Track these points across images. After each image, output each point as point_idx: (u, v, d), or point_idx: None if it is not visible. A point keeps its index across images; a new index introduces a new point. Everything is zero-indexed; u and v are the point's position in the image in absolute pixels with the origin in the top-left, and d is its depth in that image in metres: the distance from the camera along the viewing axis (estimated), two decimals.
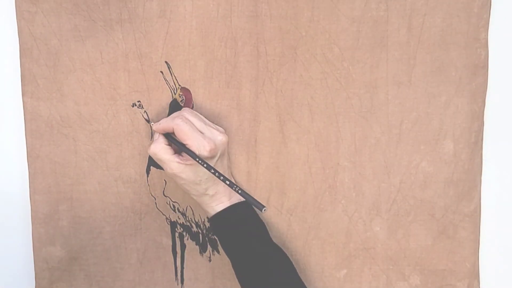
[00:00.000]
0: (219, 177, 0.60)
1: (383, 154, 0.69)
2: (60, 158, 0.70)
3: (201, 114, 0.68)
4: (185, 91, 0.69)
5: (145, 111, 0.69)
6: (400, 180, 0.69)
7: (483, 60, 0.67)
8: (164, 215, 0.72)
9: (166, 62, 0.68)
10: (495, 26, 0.67)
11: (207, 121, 0.66)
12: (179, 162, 0.62)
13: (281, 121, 0.69)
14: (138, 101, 0.69)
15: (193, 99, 0.69)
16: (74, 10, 0.67)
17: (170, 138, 0.64)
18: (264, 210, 0.57)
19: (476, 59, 0.67)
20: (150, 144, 0.64)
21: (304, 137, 0.69)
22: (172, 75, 0.68)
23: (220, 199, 0.65)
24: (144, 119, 0.68)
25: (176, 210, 0.71)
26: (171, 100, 0.69)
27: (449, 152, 0.69)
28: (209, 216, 0.65)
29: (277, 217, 0.70)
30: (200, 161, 0.60)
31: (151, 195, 0.71)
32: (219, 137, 0.64)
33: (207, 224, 0.72)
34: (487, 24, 0.66)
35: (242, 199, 0.66)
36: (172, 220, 0.72)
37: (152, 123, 0.67)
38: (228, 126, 0.69)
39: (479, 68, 0.67)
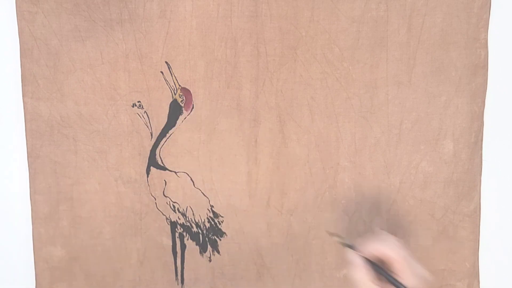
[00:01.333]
0: None
1: (383, 154, 0.69)
2: (60, 158, 0.70)
3: (201, 114, 0.69)
4: (185, 91, 0.69)
5: (145, 112, 0.69)
6: (400, 180, 0.69)
7: (483, 60, 0.67)
8: (164, 215, 0.72)
9: (166, 62, 0.68)
10: (494, 26, 0.67)
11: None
12: None
13: (281, 121, 0.69)
14: (138, 101, 0.69)
15: (193, 99, 0.69)
16: (74, 11, 0.67)
17: (375, 266, 0.56)
18: None
19: (476, 59, 0.67)
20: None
21: (304, 137, 0.69)
22: (172, 75, 0.68)
23: None
24: (344, 244, 0.59)
25: (176, 211, 0.71)
26: (171, 100, 0.69)
27: (449, 152, 0.69)
28: None
29: (277, 217, 0.70)
30: None
31: (151, 195, 0.71)
32: (423, 273, 0.55)
33: (207, 225, 0.72)
34: (487, 24, 0.66)
35: None
36: (172, 220, 0.72)
37: (346, 243, 0.59)
38: (228, 126, 0.69)
39: (479, 68, 0.67)
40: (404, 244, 0.56)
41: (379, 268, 0.56)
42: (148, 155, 0.70)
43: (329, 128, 0.69)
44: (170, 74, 0.68)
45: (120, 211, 0.71)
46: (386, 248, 0.56)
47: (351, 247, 0.58)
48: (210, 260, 0.72)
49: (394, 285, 0.55)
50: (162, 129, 0.69)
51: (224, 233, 0.72)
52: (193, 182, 0.70)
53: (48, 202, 0.71)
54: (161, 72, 0.68)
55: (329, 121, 0.69)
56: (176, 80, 0.69)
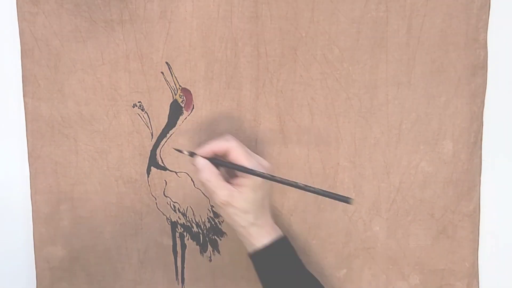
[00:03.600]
0: (288, 182, 0.57)
1: (382, 154, 0.69)
2: (61, 158, 0.70)
3: (201, 115, 0.69)
4: (186, 91, 0.69)
5: (145, 112, 0.69)
6: (400, 180, 0.70)
7: (482, 60, 0.67)
8: (164, 215, 0.72)
9: (166, 62, 0.68)
10: (494, 27, 0.67)
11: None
12: (231, 190, 0.58)
13: (281, 121, 0.69)
14: (139, 102, 0.69)
15: (194, 100, 0.69)
16: (75, 11, 0.67)
17: (219, 162, 0.60)
18: (352, 201, 0.54)
19: (475, 60, 0.67)
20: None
21: (304, 137, 0.69)
22: (173, 75, 0.69)
23: (267, 231, 0.61)
24: (185, 153, 0.62)
25: (177, 210, 0.72)
26: (172, 100, 0.69)
27: (448, 152, 0.69)
28: (253, 249, 0.61)
29: (277, 217, 0.71)
30: (262, 173, 0.57)
31: (152, 195, 0.71)
32: (264, 162, 0.61)
33: (208, 224, 0.72)
34: (486, 25, 0.67)
35: (279, 230, 0.63)
36: (173, 220, 0.72)
37: (188, 151, 0.62)
38: (229, 126, 0.69)
39: (478, 69, 0.67)
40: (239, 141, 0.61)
41: (220, 161, 0.60)
42: (149, 155, 0.70)
43: (329, 128, 0.69)
44: (170, 74, 0.69)
45: (121, 211, 0.71)
46: (221, 142, 0.60)
47: (193, 154, 0.61)
48: (210, 260, 0.72)
49: (241, 170, 0.59)
50: (163, 129, 0.70)
51: (225, 233, 0.72)
52: (193, 182, 0.70)
53: (49, 202, 0.71)
54: (162, 73, 0.69)
55: (329, 121, 0.69)
56: (177, 80, 0.69)
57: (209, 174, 0.59)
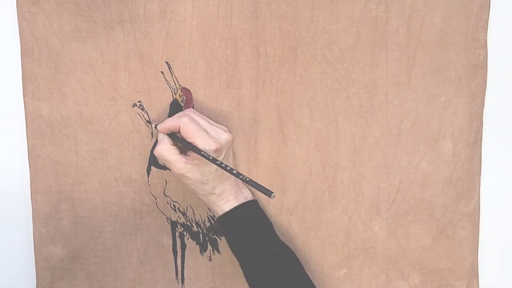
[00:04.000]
0: (225, 168, 0.59)
1: (382, 154, 0.69)
2: (61, 158, 0.70)
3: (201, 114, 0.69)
4: (186, 91, 0.69)
5: (145, 112, 0.69)
6: (400, 180, 0.70)
7: (482, 60, 0.67)
8: (164, 214, 0.72)
9: (166, 62, 0.68)
10: (494, 26, 0.67)
11: (210, 121, 0.66)
12: (185, 162, 0.62)
13: (281, 121, 0.69)
14: (139, 101, 0.69)
15: (194, 99, 0.69)
16: (75, 11, 0.67)
17: (175, 137, 0.64)
18: (273, 196, 0.56)
19: (475, 60, 0.67)
20: (155, 145, 0.65)
21: (304, 137, 0.69)
22: (173, 75, 0.69)
23: (227, 198, 0.65)
24: (144, 121, 0.69)
25: (177, 210, 0.72)
26: (172, 100, 0.69)
27: (448, 152, 0.69)
28: (217, 216, 0.66)
29: (277, 217, 0.71)
30: (207, 156, 0.60)
31: (152, 194, 0.71)
32: (224, 136, 0.64)
33: (208, 224, 0.72)
34: (486, 24, 0.67)
35: (249, 198, 0.66)
36: (173, 220, 0.72)
37: (154, 123, 0.67)
38: (229, 126, 0.69)
39: (478, 69, 0.67)
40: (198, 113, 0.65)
41: (174, 136, 0.64)
42: (149, 155, 0.70)
43: (329, 128, 0.69)
44: (170, 74, 0.69)
45: (121, 210, 0.71)
46: (174, 119, 0.63)
47: (149, 122, 0.68)
48: (210, 260, 0.72)
49: (187, 148, 0.63)
50: None
51: None
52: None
53: (49, 202, 0.71)
54: (162, 72, 0.69)
55: (328, 121, 0.69)
56: (177, 80, 0.69)
57: (161, 148, 0.63)
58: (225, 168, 0.60)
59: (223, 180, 0.64)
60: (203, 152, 0.60)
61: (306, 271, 0.66)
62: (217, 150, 0.62)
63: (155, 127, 0.66)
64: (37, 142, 0.70)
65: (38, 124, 0.69)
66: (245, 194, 0.67)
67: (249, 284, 0.65)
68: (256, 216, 0.66)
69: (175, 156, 0.63)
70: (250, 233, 0.65)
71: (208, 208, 0.71)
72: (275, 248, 0.65)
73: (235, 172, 0.59)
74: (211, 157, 0.60)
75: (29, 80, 0.68)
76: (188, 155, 0.64)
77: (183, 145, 0.64)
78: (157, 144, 0.64)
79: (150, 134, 0.70)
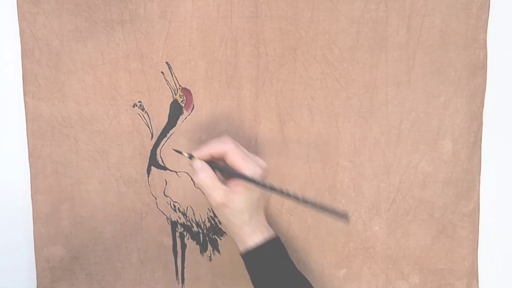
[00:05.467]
0: (287, 194, 0.57)
1: (382, 154, 0.69)
2: (62, 158, 0.70)
3: (201, 114, 0.69)
4: (186, 91, 0.69)
5: (145, 112, 0.69)
6: (400, 180, 0.70)
7: (482, 60, 0.67)
8: (164, 214, 0.72)
9: (166, 62, 0.68)
10: (493, 27, 0.67)
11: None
12: (226, 191, 0.59)
13: (281, 121, 0.69)
14: (139, 102, 0.69)
15: (194, 100, 0.69)
16: (75, 11, 0.67)
17: (215, 165, 0.60)
18: (348, 218, 0.53)
19: (475, 60, 0.67)
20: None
21: (304, 137, 0.69)
22: (173, 75, 0.69)
23: (261, 230, 0.61)
24: (175, 151, 0.64)
25: (177, 210, 0.72)
26: (172, 100, 0.69)
27: (448, 152, 0.69)
28: (244, 249, 0.61)
29: (277, 217, 0.71)
30: (259, 183, 0.57)
31: (152, 195, 0.71)
32: (262, 162, 0.61)
33: (208, 224, 0.72)
34: (486, 25, 0.67)
35: (270, 229, 0.63)
36: (173, 220, 0.72)
37: (186, 153, 0.62)
38: (229, 126, 0.69)
39: (478, 69, 0.67)
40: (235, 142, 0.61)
41: (215, 164, 0.60)
42: (149, 155, 0.70)
43: (329, 128, 0.69)
44: (170, 74, 0.69)
45: (121, 210, 0.71)
46: (218, 144, 0.60)
47: (191, 156, 0.61)
48: (210, 260, 0.73)
49: (235, 176, 0.59)
50: (163, 129, 0.70)
51: (225, 232, 0.72)
52: (193, 182, 0.70)
53: (49, 202, 0.71)
54: (162, 73, 0.69)
55: (328, 121, 0.69)
56: (177, 80, 0.69)
57: (204, 176, 0.59)
58: (287, 194, 0.56)
59: (258, 210, 0.62)
60: (256, 180, 0.57)
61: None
62: (262, 177, 0.59)
63: (190, 157, 0.61)
64: (37, 142, 0.70)
65: (38, 124, 0.69)
66: (268, 227, 0.64)
67: None
68: (282, 254, 0.62)
69: (218, 185, 0.59)
70: (276, 271, 0.61)
71: (209, 209, 0.71)
72: (299, 284, 0.62)
73: (300, 197, 0.56)
74: (267, 185, 0.57)
75: (29, 80, 0.69)
76: (228, 183, 0.60)
77: (225, 172, 0.60)
78: (197, 172, 0.60)
79: (150, 134, 0.70)
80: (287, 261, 0.62)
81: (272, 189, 0.58)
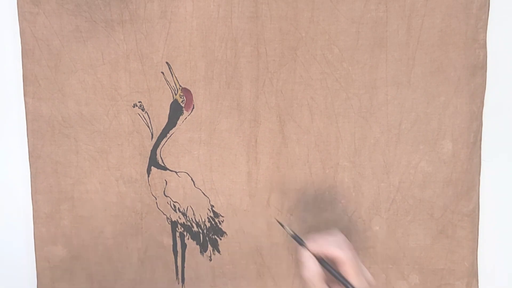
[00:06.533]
0: None
1: (382, 154, 0.69)
2: (62, 158, 0.70)
3: (201, 114, 0.69)
4: (186, 91, 0.69)
5: (145, 112, 0.69)
6: (399, 180, 0.70)
7: (481, 60, 0.67)
8: (164, 214, 0.72)
9: (167, 62, 0.69)
10: (493, 27, 0.67)
11: None
12: None
13: (281, 121, 0.69)
14: (139, 102, 0.69)
15: (194, 100, 0.69)
16: (75, 11, 0.67)
17: (324, 263, 0.57)
18: None
19: (474, 60, 0.67)
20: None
21: (304, 137, 0.69)
22: (173, 75, 0.69)
23: None
24: (287, 230, 0.60)
25: (177, 210, 0.72)
26: (172, 100, 0.69)
27: (448, 152, 0.69)
28: None
29: (277, 217, 0.71)
30: None
31: (152, 195, 0.71)
32: (371, 280, 0.58)
33: (208, 224, 0.72)
34: (486, 25, 0.67)
35: None
36: (173, 220, 0.72)
37: (300, 239, 0.59)
38: (229, 126, 0.69)
39: (477, 69, 0.67)
40: (352, 245, 0.57)
41: (330, 266, 0.57)
42: (149, 155, 0.70)
43: (329, 128, 0.69)
44: (170, 74, 0.69)
45: (121, 210, 0.71)
46: (336, 247, 0.56)
47: (300, 241, 0.58)
48: (210, 260, 0.73)
49: (344, 285, 0.55)
50: (163, 129, 0.70)
51: (225, 232, 0.72)
52: (193, 182, 0.70)
53: (49, 202, 0.71)
54: (162, 73, 0.69)
55: (328, 121, 0.69)
56: (177, 80, 0.69)
57: (313, 273, 0.56)
58: None
59: None
60: None
61: None
62: None
63: (302, 244, 0.58)
64: (37, 142, 0.70)
65: (38, 124, 0.70)
66: None
67: None
68: None
69: (322, 285, 0.56)
70: None
71: (209, 209, 0.71)
72: None
73: None
74: None
75: (29, 80, 0.69)
76: (330, 286, 0.56)
77: (333, 275, 0.57)
78: (306, 267, 0.57)
79: (150, 134, 0.70)
80: None
81: None
